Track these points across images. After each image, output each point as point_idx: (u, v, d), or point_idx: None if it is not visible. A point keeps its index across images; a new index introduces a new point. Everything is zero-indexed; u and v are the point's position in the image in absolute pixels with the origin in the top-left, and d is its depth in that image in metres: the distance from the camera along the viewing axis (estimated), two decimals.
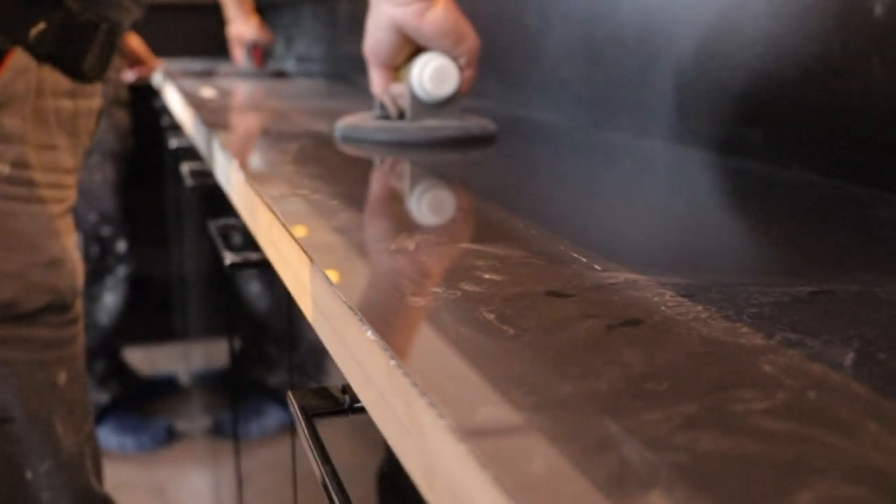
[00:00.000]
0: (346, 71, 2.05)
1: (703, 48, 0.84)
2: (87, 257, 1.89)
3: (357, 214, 0.56)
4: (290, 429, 0.82)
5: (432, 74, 0.85)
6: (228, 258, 0.79)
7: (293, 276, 0.50)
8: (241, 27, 1.93)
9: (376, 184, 0.73)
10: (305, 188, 0.62)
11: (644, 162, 0.84)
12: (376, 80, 0.88)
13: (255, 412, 1.89)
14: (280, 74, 1.92)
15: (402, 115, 0.87)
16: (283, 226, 0.51)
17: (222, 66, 2.34)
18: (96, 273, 1.93)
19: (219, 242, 0.88)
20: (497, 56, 1.26)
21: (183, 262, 2.07)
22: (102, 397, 2.02)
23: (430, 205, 0.63)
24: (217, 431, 1.94)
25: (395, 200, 0.66)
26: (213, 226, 0.93)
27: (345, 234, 0.49)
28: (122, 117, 1.88)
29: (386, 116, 0.92)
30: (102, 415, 2.02)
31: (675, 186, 0.73)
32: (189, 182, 1.16)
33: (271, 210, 0.56)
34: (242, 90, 1.53)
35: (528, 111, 1.18)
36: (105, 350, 2.04)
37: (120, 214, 1.92)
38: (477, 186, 0.69)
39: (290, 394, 0.45)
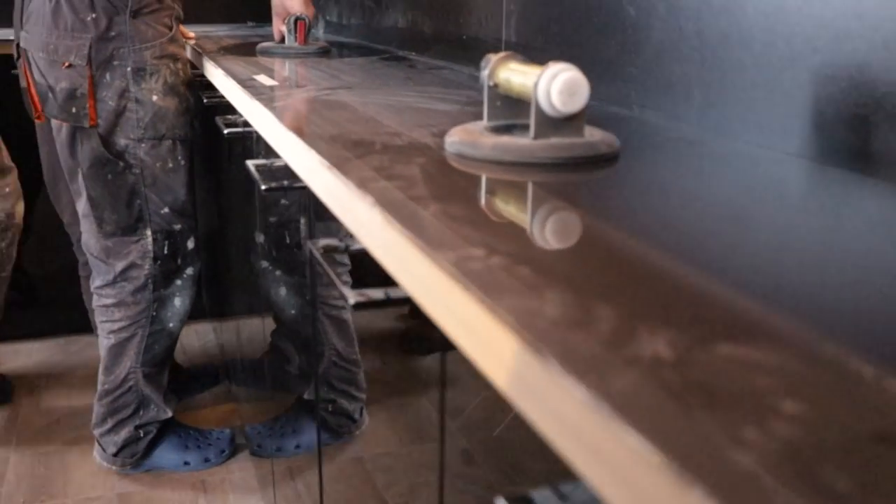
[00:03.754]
0: (390, 44, 1.96)
1: (854, 57, 0.77)
2: (157, 257, 1.80)
3: (567, 294, 0.49)
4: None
5: (562, 88, 0.78)
6: (352, 297, 0.72)
7: (493, 360, 0.44)
8: (288, 0, 1.83)
9: (557, 235, 0.66)
10: (475, 246, 0.55)
11: (814, 188, 0.77)
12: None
13: (292, 427, 1.84)
14: (325, 52, 1.83)
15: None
16: (490, 311, 0.45)
17: (258, 39, 2.25)
18: (167, 275, 1.82)
19: (333, 277, 0.81)
20: (589, 45, 1.18)
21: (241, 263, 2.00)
22: (165, 413, 1.90)
23: (642, 281, 0.57)
24: (259, 448, 1.88)
25: (603, 267, 0.59)
26: (314, 246, 0.87)
27: (563, 330, 0.43)
28: (189, 97, 1.77)
29: (503, 130, 0.85)
30: (161, 433, 1.91)
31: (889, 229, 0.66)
32: (263, 186, 1.09)
33: (460, 282, 0.49)
34: (300, 76, 1.44)
35: (625, 108, 1.10)
36: (171, 359, 1.95)
37: (192, 207, 1.82)
38: (658, 236, 0.62)
39: None
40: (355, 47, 1.99)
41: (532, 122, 0.80)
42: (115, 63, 1.67)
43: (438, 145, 0.87)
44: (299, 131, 0.93)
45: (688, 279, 0.51)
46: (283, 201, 1.64)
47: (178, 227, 1.81)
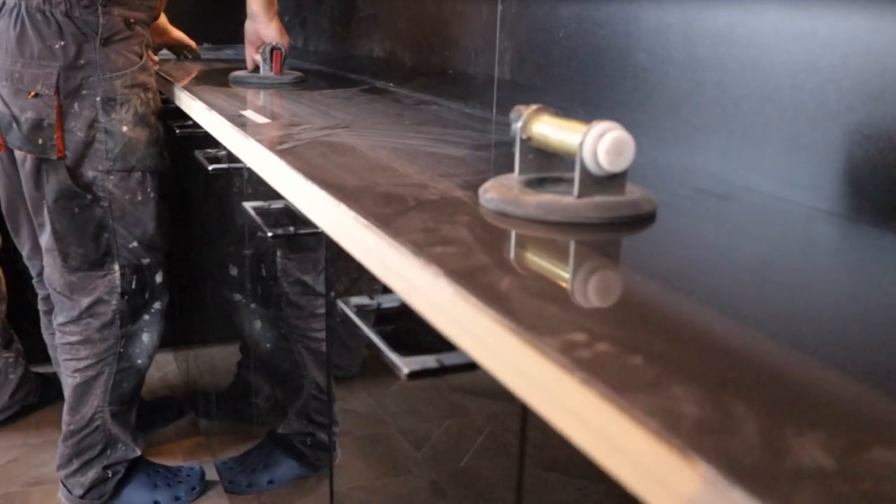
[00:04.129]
0: (363, 73, 1.94)
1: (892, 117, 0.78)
2: (124, 292, 1.73)
3: (694, 388, 0.48)
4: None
5: (609, 148, 0.77)
6: (406, 367, 0.69)
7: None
8: (264, 29, 1.79)
9: (647, 311, 0.65)
10: (576, 329, 0.53)
11: (867, 249, 0.77)
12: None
13: (264, 462, 1.79)
14: (300, 81, 1.79)
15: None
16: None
17: (222, 65, 2.20)
18: (134, 310, 1.75)
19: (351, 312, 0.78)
20: (593, 88, 1.17)
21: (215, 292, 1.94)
22: (134, 452, 1.83)
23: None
24: (231, 484, 1.82)
25: (710, 349, 0.58)
26: (345, 303, 0.84)
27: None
28: (159, 127, 1.71)
29: (535, 184, 0.84)
30: (129, 472, 1.83)
31: None
32: (272, 232, 1.05)
33: (578, 376, 0.47)
34: (290, 112, 1.40)
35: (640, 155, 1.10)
36: (138, 396, 1.87)
37: (161, 240, 1.76)
38: (749, 312, 0.61)
39: None
40: (327, 76, 1.96)
41: (576, 180, 0.79)
42: (84, 92, 1.61)
43: (473, 200, 0.85)
44: (321, 182, 0.90)
45: (802, 366, 0.50)
46: (259, 234, 1.60)
47: (146, 260, 1.75)
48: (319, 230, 1.05)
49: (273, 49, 1.76)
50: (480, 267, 0.66)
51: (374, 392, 1.39)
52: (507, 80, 1.38)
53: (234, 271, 1.73)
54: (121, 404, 1.78)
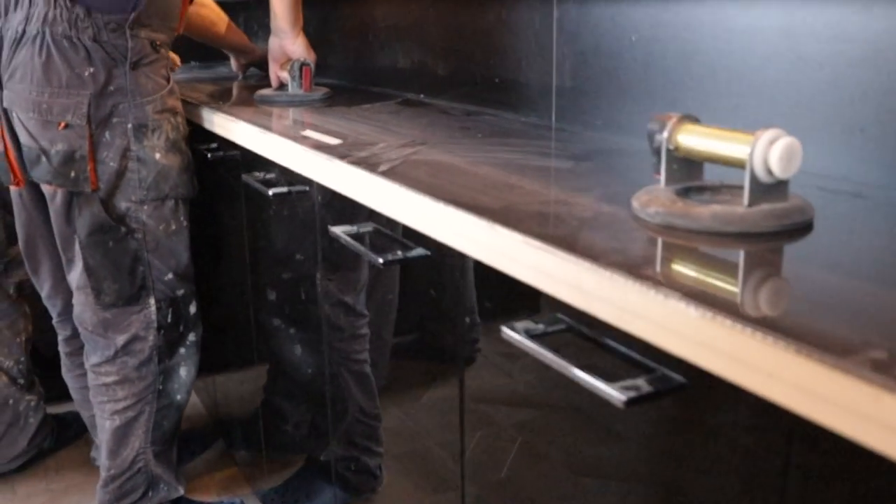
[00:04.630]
0: (387, 86, 1.90)
1: None
2: (160, 326, 1.66)
3: None
4: None
5: (781, 155, 0.75)
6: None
7: None
8: (290, 45, 1.74)
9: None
10: (873, 347, 0.51)
11: None
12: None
13: (305, 491, 1.74)
14: (329, 97, 1.75)
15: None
16: None
17: (224, 81, 2.14)
18: (171, 345, 1.68)
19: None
20: (681, 94, 1.16)
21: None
22: (177, 491, 1.76)
23: None
24: None
25: None
26: (514, 329, 0.80)
27: None
28: (189, 153, 1.65)
29: (683, 194, 0.82)
30: None
31: None
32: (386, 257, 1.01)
33: None
34: (353, 130, 1.36)
35: None
36: (178, 433, 1.80)
37: (192, 270, 1.70)
38: None
39: None
40: (350, 90, 1.91)
41: (746, 188, 0.77)
42: (115, 120, 1.54)
43: (628, 214, 0.82)
44: (458, 203, 0.86)
45: None
46: (297, 256, 1.55)
47: (181, 292, 1.68)
48: (429, 253, 1.02)
49: (302, 65, 1.71)
50: (712, 286, 0.64)
51: (405, 406, 1.36)
52: (568, 87, 1.36)
53: (272, 296, 1.68)
54: (163, 443, 1.71)
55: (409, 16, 1.78)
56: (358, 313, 1.46)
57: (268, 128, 1.38)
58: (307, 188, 1.34)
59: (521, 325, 0.79)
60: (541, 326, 0.79)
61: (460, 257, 0.90)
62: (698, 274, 0.68)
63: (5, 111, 1.58)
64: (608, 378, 0.68)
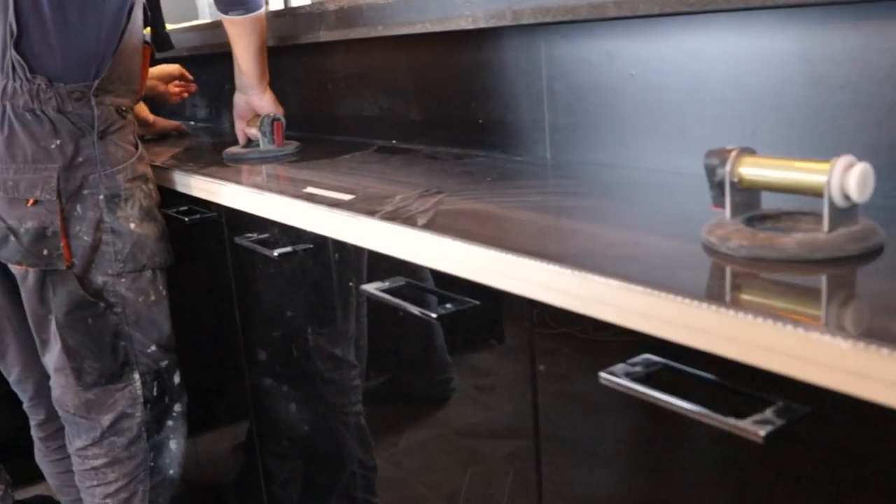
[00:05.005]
0: (351, 134, 1.88)
1: None
2: (146, 401, 1.57)
3: None
4: None
5: (859, 180, 0.77)
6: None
7: None
8: (257, 101, 1.70)
9: None
10: None
11: None
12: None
13: None
14: (300, 150, 1.71)
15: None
16: None
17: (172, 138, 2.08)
18: (158, 417, 1.60)
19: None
20: (699, 126, 1.18)
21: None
22: None
23: None
24: None
25: None
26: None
27: None
28: (163, 220, 1.58)
29: (749, 224, 0.83)
30: None
31: None
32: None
33: None
34: (352, 182, 1.33)
35: None
36: None
37: (174, 339, 1.62)
38: None
39: None
40: (314, 141, 1.88)
41: (826, 215, 0.79)
42: (86, 192, 1.47)
43: (705, 249, 0.83)
44: (538, 255, 0.85)
45: None
46: (288, 313, 1.51)
47: (164, 363, 1.61)
48: (476, 303, 1.00)
49: (273, 120, 1.67)
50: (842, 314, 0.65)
51: (382, 453, 1.35)
52: (563, 124, 1.37)
53: (262, 355, 1.62)
54: None
55: (373, 61, 1.77)
56: (350, 364, 1.44)
57: (263, 188, 1.34)
58: (310, 246, 1.31)
59: (618, 368, 0.79)
60: (638, 369, 0.79)
61: (527, 304, 0.89)
62: (817, 303, 0.69)
63: None
64: (737, 415, 0.68)
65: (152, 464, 1.60)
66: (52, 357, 1.55)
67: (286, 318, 1.52)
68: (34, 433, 1.77)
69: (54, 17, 1.43)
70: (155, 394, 1.60)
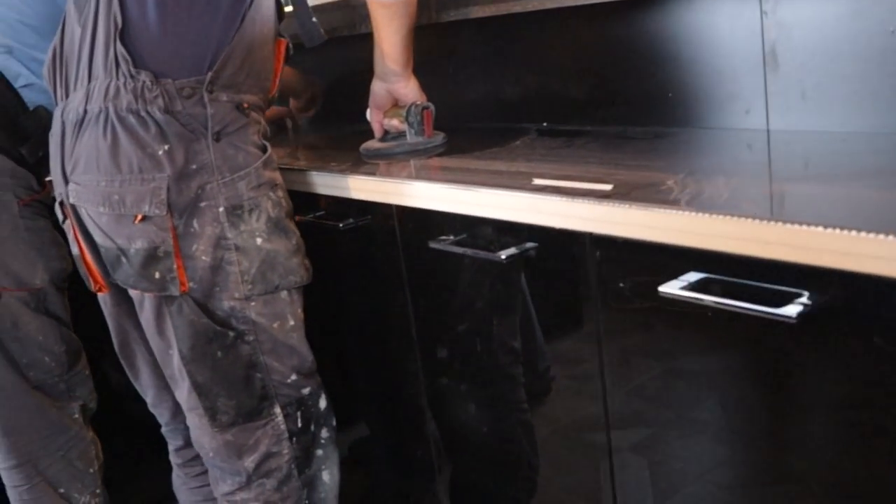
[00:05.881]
0: (498, 119, 1.61)
1: None
2: (292, 434, 1.36)
3: None
4: None
5: None
6: None
7: None
8: (402, 88, 1.46)
9: None
10: None
11: None
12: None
13: None
14: (446, 141, 1.47)
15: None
16: None
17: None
18: (306, 449, 1.39)
19: None
20: None
21: None
22: None
23: None
24: None
25: None
26: None
27: None
28: (297, 232, 1.36)
29: None
30: None
31: None
32: None
33: None
34: (583, 169, 1.12)
35: None
36: None
37: (315, 362, 1.39)
38: None
39: None
40: (449, 130, 1.61)
41: None
42: (203, 204, 1.24)
43: None
44: None
45: None
46: (478, 305, 1.29)
47: (307, 390, 1.38)
48: None
49: (424, 108, 1.43)
50: None
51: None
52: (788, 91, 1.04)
53: (442, 353, 1.41)
54: None
55: (515, 38, 1.50)
56: (518, 355, 1.27)
57: (483, 184, 1.14)
58: (535, 245, 1.14)
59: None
60: None
61: None
62: None
63: (74, 208, 1.31)
64: None
65: (307, 501, 1.40)
66: (182, 395, 1.36)
67: (475, 309, 1.31)
68: (172, 459, 1.61)
69: (160, 4, 1.23)
70: (300, 425, 1.38)
